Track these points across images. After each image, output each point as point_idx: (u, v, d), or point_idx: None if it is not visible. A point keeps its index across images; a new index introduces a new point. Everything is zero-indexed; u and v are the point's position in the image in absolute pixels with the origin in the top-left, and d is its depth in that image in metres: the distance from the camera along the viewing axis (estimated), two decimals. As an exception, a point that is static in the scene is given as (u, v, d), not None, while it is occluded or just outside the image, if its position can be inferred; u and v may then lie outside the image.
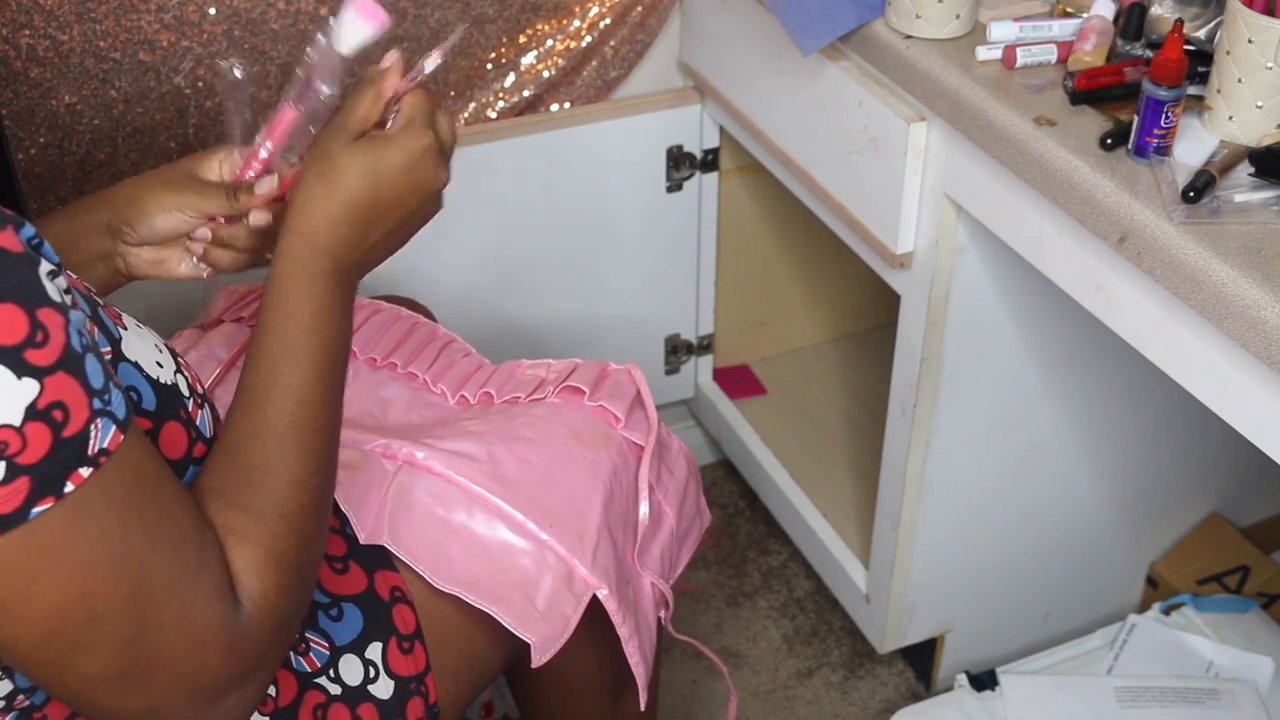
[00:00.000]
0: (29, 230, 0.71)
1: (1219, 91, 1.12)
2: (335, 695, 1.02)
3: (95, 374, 0.71)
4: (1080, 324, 1.45)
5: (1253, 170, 1.07)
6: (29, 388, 0.67)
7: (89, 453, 0.71)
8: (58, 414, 0.69)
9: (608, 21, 1.67)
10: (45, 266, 0.70)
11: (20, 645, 0.73)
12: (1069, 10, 1.30)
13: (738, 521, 2.02)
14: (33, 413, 0.68)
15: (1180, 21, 1.10)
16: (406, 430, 1.18)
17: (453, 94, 1.64)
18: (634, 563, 1.19)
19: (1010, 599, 1.72)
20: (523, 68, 1.66)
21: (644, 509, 1.20)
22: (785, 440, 1.92)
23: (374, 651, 1.04)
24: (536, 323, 1.81)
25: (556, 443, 1.16)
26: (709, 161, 1.80)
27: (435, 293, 1.64)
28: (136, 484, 0.74)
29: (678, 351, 1.97)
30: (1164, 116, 1.08)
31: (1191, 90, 1.15)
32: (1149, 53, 1.22)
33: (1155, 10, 1.23)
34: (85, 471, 0.71)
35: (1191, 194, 1.05)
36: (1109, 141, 1.12)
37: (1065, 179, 1.13)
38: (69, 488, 0.70)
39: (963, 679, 1.60)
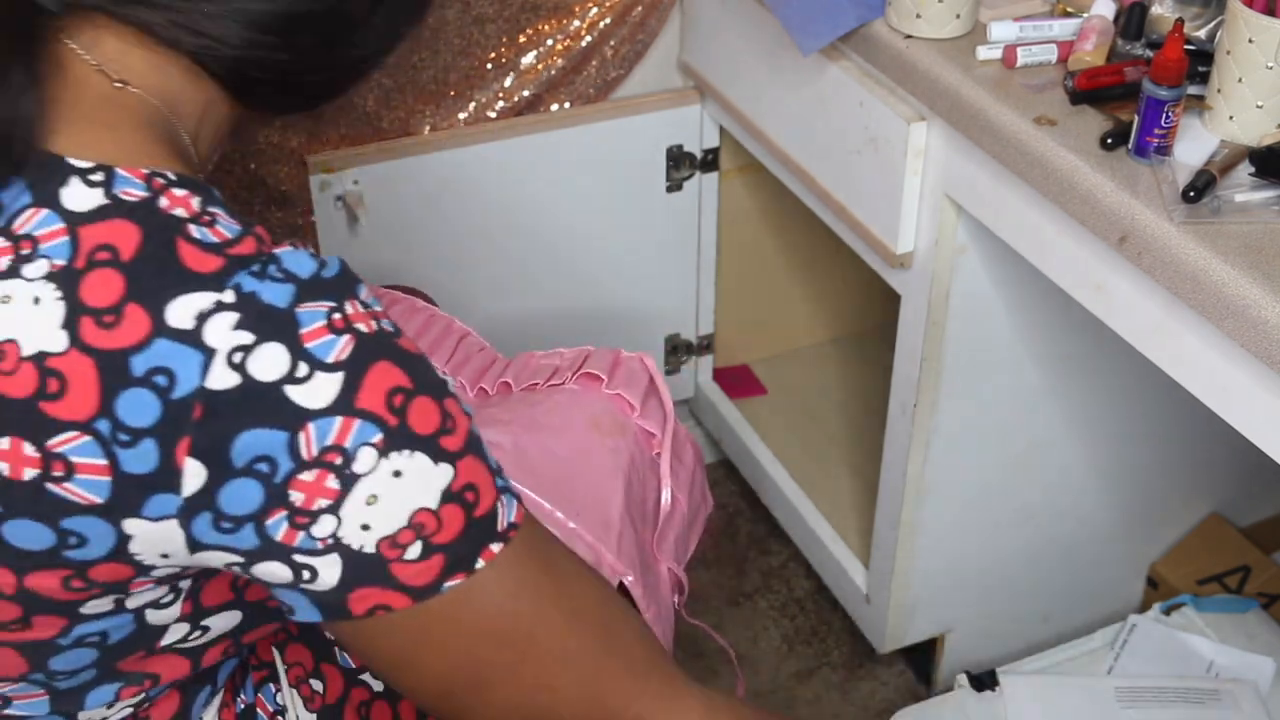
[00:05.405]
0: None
1: (1219, 91, 1.12)
2: (378, 692, 1.02)
3: (489, 455, 0.75)
4: (1080, 324, 1.45)
5: (1253, 170, 1.07)
6: (444, 473, 0.71)
7: (499, 529, 0.74)
8: (470, 495, 0.72)
9: (608, 21, 1.67)
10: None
11: (420, 698, 0.79)
12: (1069, 10, 1.30)
13: (738, 521, 2.02)
14: (448, 496, 0.71)
15: (1180, 21, 1.10)
16: None
17: (453, 94, 1.64)
18: (653, 549, 1.20)
19: (1010, 599, 1.72)
20: (523, 68, 1.66)
21: (666, 496, 1.21)
22: (785, 440, 1.92)
23: None
24: (536, 323, 1.81)
25: (577, 431, 1.17)
26: (709, 161, 1.80)
27: (434, 294, 1.64)
28: (540, 550, 0.77)
29: (678, 351, 1.97)
30: (1164, 116, 1.08)
31: (1192, 90, 1.14)
32: (1149, 52, 1.22)
33: (1155, 10, 1.23)
34: (496, 547, 0.73)
35: (1192, 194, 1.04)
36: (1109, 141, 1.12)
37: (1065, 179, 1.13)
38: (480, 564, 0.73)
39: (963, 679, 1.59)
